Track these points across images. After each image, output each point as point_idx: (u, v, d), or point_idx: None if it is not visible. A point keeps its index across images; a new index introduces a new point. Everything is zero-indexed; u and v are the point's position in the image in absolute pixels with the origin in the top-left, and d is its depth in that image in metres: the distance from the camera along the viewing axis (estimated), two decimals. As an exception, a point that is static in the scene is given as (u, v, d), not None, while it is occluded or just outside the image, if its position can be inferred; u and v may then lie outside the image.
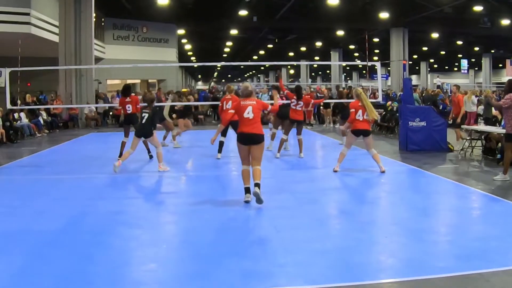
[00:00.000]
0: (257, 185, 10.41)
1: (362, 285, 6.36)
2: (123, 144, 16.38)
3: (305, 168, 15.97)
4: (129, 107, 16.73)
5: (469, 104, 20.79)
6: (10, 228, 9.03)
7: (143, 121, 14.78)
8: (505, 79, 17.90)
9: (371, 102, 15.24)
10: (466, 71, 77.05)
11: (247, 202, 10.63)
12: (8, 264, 7.24)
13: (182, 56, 63.38)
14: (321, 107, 31.99)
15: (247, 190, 10.76)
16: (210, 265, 7.09)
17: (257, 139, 10.74)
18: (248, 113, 10.79)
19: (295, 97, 17.52)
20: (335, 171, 14.35)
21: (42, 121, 27.79)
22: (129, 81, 52.96)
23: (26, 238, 8.37)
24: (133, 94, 18.41)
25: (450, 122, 20.45)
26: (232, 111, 11.33)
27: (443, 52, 74.69)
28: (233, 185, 13.29)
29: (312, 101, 20.00)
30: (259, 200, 10.30)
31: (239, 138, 10.83)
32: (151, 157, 16.85)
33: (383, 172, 14.10)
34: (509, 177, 13.03)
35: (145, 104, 15.36)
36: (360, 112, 14.20)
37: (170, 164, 15.63)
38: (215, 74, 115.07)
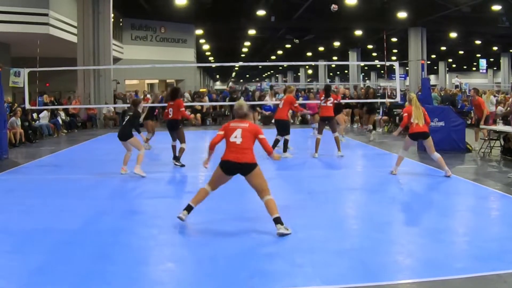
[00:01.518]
0: (276, 220, 8.72)
1: (380, 286, 6.36)
2: (173, 148, 16.14)
3: (322, 168, 15.96)
4: (171, 111, 15.81)
5: (487, 104, 20.70)
6: (29, 227, 9.10)
7: (124, 123, 14.71)
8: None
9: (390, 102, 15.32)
10: (484, 71, 76.61)
11: (179, 218, 9.17)
12: (27, 262, 7.29)
13: (200, 56, 63.49)
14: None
15: (188, 208, 9.26)
16: (227, 265, 7.11)
17: (246, 169, 9.18)
18: (236, 137, 9.17)
19: (323, 96, 17.63)
20: (394, 174, 14.05)
21: (60, 121, 27.88)
22: (147, 81, 53.38)
23: (45, 237, 8.42)
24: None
25: (469, 122, 20.35)
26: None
27: (461, 52, 74.32)
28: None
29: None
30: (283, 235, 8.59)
31: (222, 166, 9.29)
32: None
33: (449, 176, 13.60)
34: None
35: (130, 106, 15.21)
36: (414, 116, 13.89)
37: (189, 163, 15.65)
38: (233, 74, 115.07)
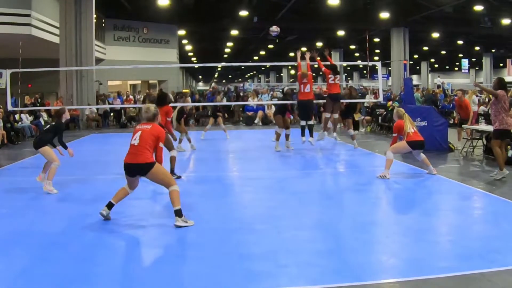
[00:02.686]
0: (176, 213, 9.14)
1: (363, 285, 6.37)
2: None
3: (305, 168, 15.98)
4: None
5: (470, 103, 20.79)
6: (12, 229, 9.04)
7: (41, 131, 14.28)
8: (506, 78, 17.95)
9: (373, 103, 15.47)
10: (467, 71, 76.89)
11: (101, 214, 9.40)
12: (11, 265, 7.25)
13: (183, 56, 63.42)
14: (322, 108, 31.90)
15: (109, 205, 9.42)
16: (211, 266, 7.11)
17: (143, 170, 9.26)
18: (135, 139, 9.28)
19: (331, 73, 17.74)
20: (387, 178, 13.72)
21: (43, 122, 27.74)
22: (130, 82, 53.21)
23: (28, 239, 8.37)
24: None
25: (451, 122, 20.42)
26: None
27: (443, 52, 74.71)
28: (236, 186, 13.34)
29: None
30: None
31: (124, 168, 9.43)
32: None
33: (434, 174, 13.85)
34: (507, 171, 13.09)
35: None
36: (408, 126, 13.98)
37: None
38: (216, 74, 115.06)
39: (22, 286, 6.54)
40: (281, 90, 39.84)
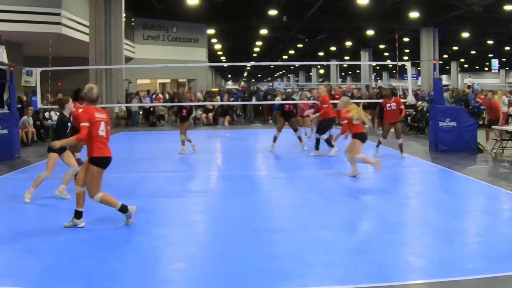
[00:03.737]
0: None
1: (391, 286, 6.34)
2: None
3: (332, 168, 15.93)
4: None
5: (500, 104, 20.62)
6: (40, 226, 9.14)
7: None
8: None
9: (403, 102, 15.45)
10: (497, 71, 76.25)
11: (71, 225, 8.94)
12: (38, 261, 7.32)
13: (212, 55, 63.53)
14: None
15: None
16: (238, 265, 7.12)
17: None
18: (103, 131, 8.90)
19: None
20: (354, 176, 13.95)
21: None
22: (159, 81, 53.42)
23: (56, 236, 8.43)
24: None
25: (480, 122, 20.27)
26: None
27: (473, 52, 74.12)
28: (262, 185, 13.35)
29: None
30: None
31: (105, 163, 8.92)
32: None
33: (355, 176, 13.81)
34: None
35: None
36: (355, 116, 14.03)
37: (197, 163, 15.68)
38: (245, 73, 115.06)
39: (48, 282, 6.58)
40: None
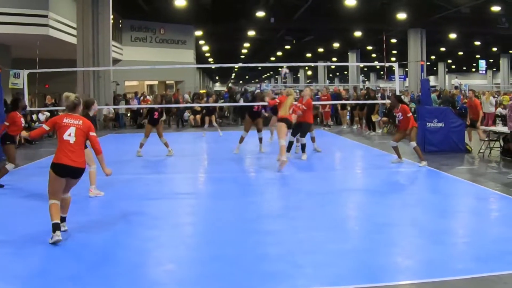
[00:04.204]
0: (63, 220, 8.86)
1: (380, 287, 6.37)
2: None
3: (322, 170, 15.96)
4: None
5: (487, 105, 20.73)
6: (29, 229, 9.08)
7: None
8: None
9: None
10: (484, 72, 76.46)
11: (57, 242, 8.13)
12: (26, 265, 7.30)
13: (200, 57, 63.56)
14: (339, 108, 31.79)
15: (56, 227, 8.22)
16: (228, 266, 7.13)
17: (79, 174, 8.73)
18: (70, 135, 8.61)
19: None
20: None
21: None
22: (147, 83, 53.40)
23: (45, 239, 8.40)
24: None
25: (468, 123, 20.36)
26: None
27: (461, 53, 74.41)
28: (251, 186, 13.37)
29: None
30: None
31: (56, 169, 8.48)
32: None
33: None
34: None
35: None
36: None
37: (185, 164, 15.68)
38: (233, 75, 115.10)
39: (38, 285, 6.58)
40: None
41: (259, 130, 19.38)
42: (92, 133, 8.82)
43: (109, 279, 6.73)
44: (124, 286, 6.55)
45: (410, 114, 15.78)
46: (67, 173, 8.50)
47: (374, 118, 27.06)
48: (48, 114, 26.75)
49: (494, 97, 26.42)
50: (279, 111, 15.51)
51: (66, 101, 8.89)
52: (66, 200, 8.87)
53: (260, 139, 19.40)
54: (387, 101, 26.91)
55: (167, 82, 55.52)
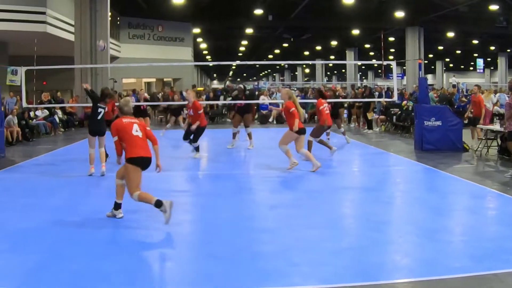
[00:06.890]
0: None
1: (377, 285, 6.35)
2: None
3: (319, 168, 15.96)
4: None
5: (487, 103, 20.68)
6: (25, 226, 9.07)
7: (99, 117, 14.53)
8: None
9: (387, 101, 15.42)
10: (481, 71, 76.43)
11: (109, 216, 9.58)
12: (24, 261, 7.28)
13: (198, 55, 63.52)
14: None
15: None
16: (224, 264, 7.11)
17: (150, 163, 9.59)
18: (137, 131, 9.37)
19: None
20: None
21: (57, 120, 27.79)
22: (144, 80, 53.38)
23: (41, 236, 8.40)
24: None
25: (466, 121, 20.34)
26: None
27: (458, 51, 74.43)
28: (248, 184, 13.35)
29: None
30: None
31: (137, 162, 9.29)
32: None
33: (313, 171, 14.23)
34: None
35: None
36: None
37: (181, 162, 15.67)
38: (231, 73, 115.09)
39: (35, 282, 6.57)
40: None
41: (246, 126, 19.75)
42: (148, 127, 9.79)
43: (106, 276, 6.71)
44: (121, 283, 6.53)
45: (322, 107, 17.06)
46: (146, 163, 9.41)
47: (370, 116, 27.08)
48: (46, 111, 26.72)
49: (495, 95, 26.43)
50: (296, 120, 14.52)
51: (127, 106, 9.76)
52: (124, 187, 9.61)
53: (249, 135, 19.69)
54: (384, 100, 26.97)
55: (165, 79, 55.52)
